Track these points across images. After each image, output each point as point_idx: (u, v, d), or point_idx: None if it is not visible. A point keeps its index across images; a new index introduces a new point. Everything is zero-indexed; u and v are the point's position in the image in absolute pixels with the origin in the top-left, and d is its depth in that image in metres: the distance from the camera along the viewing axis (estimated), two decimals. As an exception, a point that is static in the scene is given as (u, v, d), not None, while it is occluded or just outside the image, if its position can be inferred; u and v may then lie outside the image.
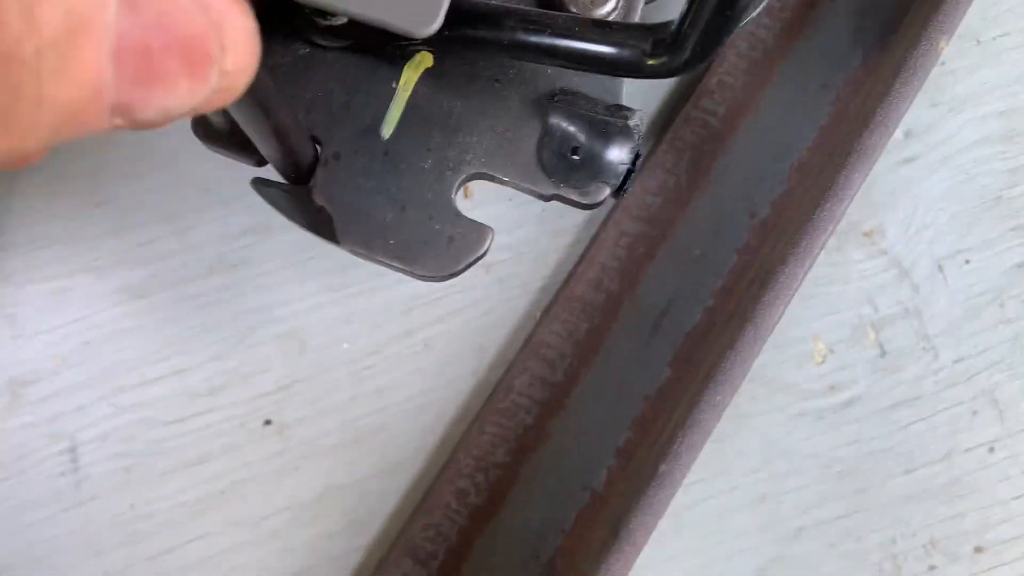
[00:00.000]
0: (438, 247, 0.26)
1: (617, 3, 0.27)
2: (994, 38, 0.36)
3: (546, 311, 0.33)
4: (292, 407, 0.33)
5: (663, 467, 0.30)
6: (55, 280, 0.33)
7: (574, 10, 0.27)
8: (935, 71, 0.35)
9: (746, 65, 0.34)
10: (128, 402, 0.33)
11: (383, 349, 0.33)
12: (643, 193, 0.34)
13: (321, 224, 0.26)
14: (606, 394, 0.32)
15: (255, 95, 0.19)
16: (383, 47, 0.26)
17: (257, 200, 0.32)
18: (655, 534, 0.31)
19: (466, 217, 0.26)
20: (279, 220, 0.33)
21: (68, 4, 0.11)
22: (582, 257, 0.33)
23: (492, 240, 0.26)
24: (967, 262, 0.34)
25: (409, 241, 0.26)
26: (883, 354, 0.33)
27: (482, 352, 0.34)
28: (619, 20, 0.27)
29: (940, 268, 0.34)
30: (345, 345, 0.33)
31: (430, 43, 0.26)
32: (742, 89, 0.34)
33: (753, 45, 0.35)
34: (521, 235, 0.34)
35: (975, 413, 0.33)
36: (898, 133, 0.35)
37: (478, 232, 0.26)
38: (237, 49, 0.14)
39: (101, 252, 0.34)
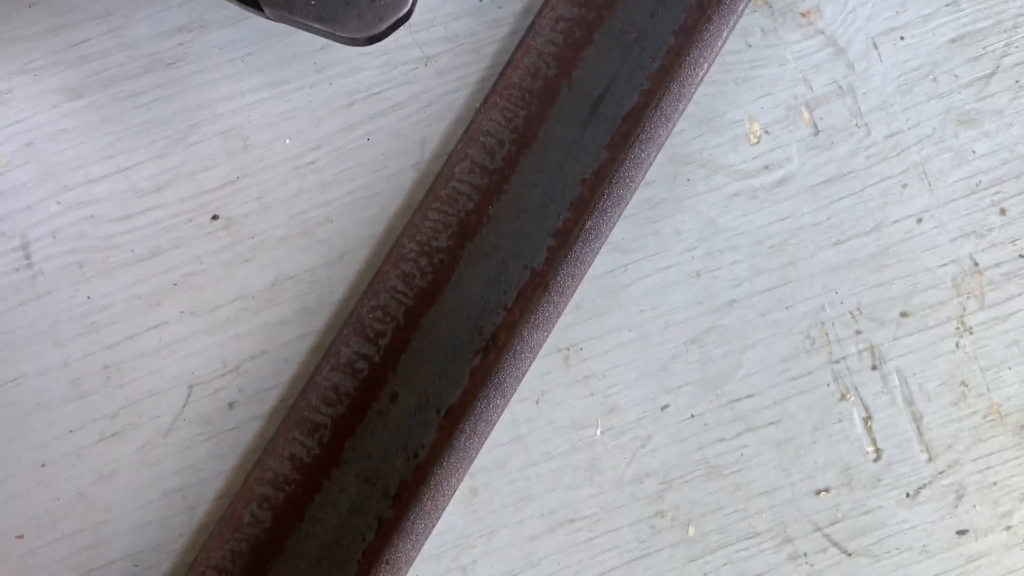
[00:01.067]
0: (360, 7, 0.26)
1: None
2: None
3: (484, 100, 0.33)
4: (238, 202, 0.34)
5: (596, 244, 0.31)
6: (-7, 82, 0.33)
7: None
8: None
9: None
10: (75, 200, 0.33)
11: (325, 144, 0.34)
12: (579, -23, 0.33)
13: (244, -11, 0.26)
14: (544, 178, 0.33)
15: None
16: None
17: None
18: (596, 310, 0.33)
19: (387, -25, 0.26)
20: (214, 16, 0.33)
21: None
22: (519, 44, 0.34)
23: (409, 6, 0.26)
24: (901, 39, 0.34)
25: (332, 1, 0.26)
26: (817, 132, 0.34)
27: (424, 144, 0.34)
28: None
29: (875, 45, 0.34)
30: (287, 141, 0.34)
31: None
32: None
33: None
34: (459, 27, 0.34)
35: (905, 186, 0.34)
36: (837, -90, 0.34)
37: (399, -6, 0.26)
38: None
39: (37, 53, 0.34)
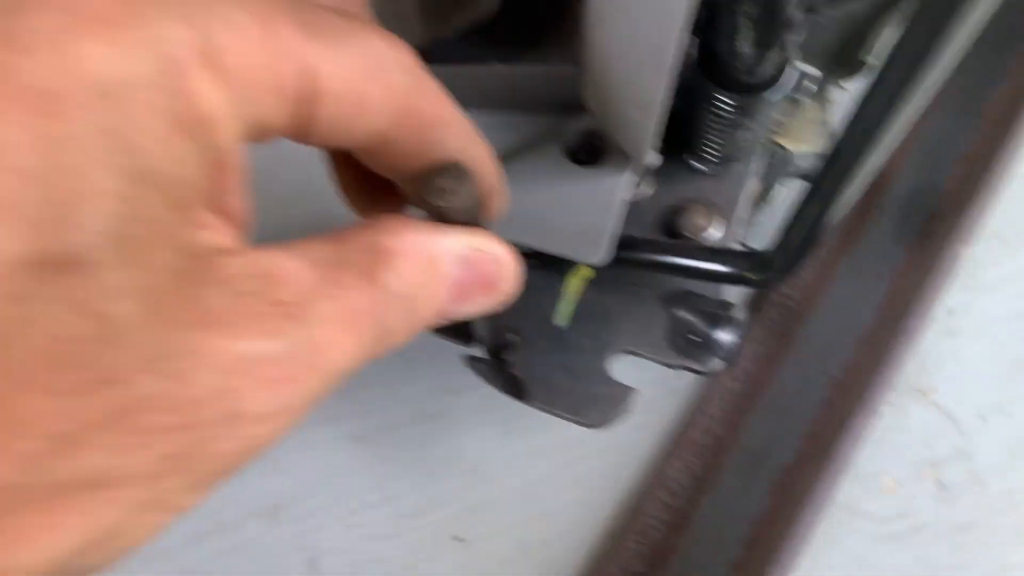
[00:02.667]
0: (599, 403, 0.37)
1: (719, 231, 0.38)
2: (1016, 234, 0.46)
3: (670, 451, 0.43)
4: (476, 526, 0.43)
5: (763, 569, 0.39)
6: (302, 428, 0.45)
7: (688, 235, 0.38)
8: (971, 262, 0.45)
9: (816, 262, 0.45)
10: (355, 521, 0.43)
11: (546, 480, 0.44)
12: (741, 359, 0.44)
13: (514, 388, 0.38)
14: (720, 517, 0.41)
15: None
16: (559, 264, 0.38)
17: (450, 367, 0.44)
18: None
19: (618, 383, 0.37)
20: (469, 379, 0.45)
21: (435, 265, 0.22)
22: (695, 410, 0.44)
23: (637, 398, 0.37)
24: (1005, 412, 0.43)
25: (578, 400, 0.37)
26: (941, 487, 0.42)
27: (620, 485, 0.44)
28: (725, 244, 0.38)
29: (983, 417, 0.43)
30: (516, 477, 0.44)
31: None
32: (814, 279, 0.45)
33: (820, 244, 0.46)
34: (648, 394, 0.45)
35: (1019, 535, 0.41)
36: (942, 310, 0.45)
37: (627, 393, 0.37)
38: (510, 280, 0.24)
39: (333, 407, 0.46)
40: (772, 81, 0.34)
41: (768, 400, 0.43)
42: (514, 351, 0.38)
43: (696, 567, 0.41)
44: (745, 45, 0.32)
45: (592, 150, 0.37)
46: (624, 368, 0.45)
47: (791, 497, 0.41)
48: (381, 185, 0.25)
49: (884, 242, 0.45)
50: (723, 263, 0.34)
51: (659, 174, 0.39)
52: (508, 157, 0.37)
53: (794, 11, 0.31)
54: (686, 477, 0.42)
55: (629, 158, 0.36)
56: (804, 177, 0.43)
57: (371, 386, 0.46)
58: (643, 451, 0.44)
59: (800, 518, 0.41)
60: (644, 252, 0.35)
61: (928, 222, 0.45)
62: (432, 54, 0.25)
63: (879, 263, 0.45)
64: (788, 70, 0.34)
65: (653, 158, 0.34)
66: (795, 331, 0.45)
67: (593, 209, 0.35)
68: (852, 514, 0.42)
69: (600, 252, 0.34)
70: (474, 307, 0.24)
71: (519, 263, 0.24)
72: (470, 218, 0.23)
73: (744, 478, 0.42)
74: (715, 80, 0.34)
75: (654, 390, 0.45)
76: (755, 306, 0.46)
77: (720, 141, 0.37)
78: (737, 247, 0.38)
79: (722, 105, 0.35)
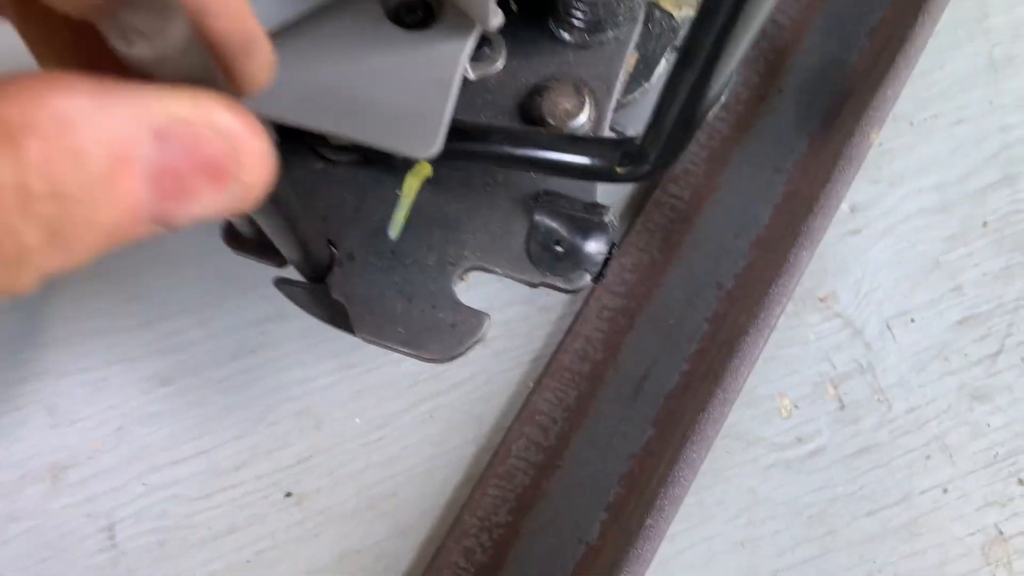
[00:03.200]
0: (442, 332, 0.29)
1: (589, 116, 0.31)
2: (925, 119, 0.41)
3: (538, 381, 0.37)
4: (310, 478, 0.36)
5: (649, 520, 0.33)
6: (92, 372, 0.37)
7: (552, 122, 0.31)
8: (874, 151, 0.39)
9: (706, 154, 0.39)
10: (159, 481, 0.36)
11: (392, 421, 0.37)
12: (620, 270, 0.38)
13: (338, 317, 0.30)
14: (596, 454, 0.36)
15: (278, 205, 0.23)
16: (388, 160, 0.30)
17: (273, 290, 0.36)
18: (646, 581, 0.34)
19: (465, 305, 0.30)
20: (293, 308, 0.37)
21: (108, 145, 0.14)
22: (568, 330, 0.37)
23: (489, 325, 0.30)
24: (912, 320, 0.38)
25: (416, 328, 0.30)
26: (842, 407, 0.37)
27: (481, 420, 0.37)
28: (592, 131, 0.31)
29: (889, 327, 0.38)
30: (357, 419, 0.37)
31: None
32: (704, 175, 0.39)
33: (711, 135, 0.39)
34: (512, 313, 0.38)
35: (928, 458, 0.36)
36: (844, 207, 0.39)
37: (476, 318, 0.30)
38: (252, 165, 0.17)
39: (133, 344, 0.37)
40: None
41: (651, 316, 0.37)
42: (337, 271, 0.30)
43: (568, 511, 0.35)
44: None
45: (424, 8, 0.28)
46: (478, 287, 0.38)
47: (676, 427, 0.35)
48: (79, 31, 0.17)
49: (784, 129, 0.39)
50: (587, 154, 0.27)
51: (515, 46, 0.31)
52: (314, 17, 0.28)
53: None
54: (557, 410, 0.36)
55: (469, 20, 0.28)
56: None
57: (177, 316, 0.37)
58: (507, 382, 0.38)
59: (686, 450, 0.35)
60: (492, 143, 0.28)
61: (834, 105, 0.39)
62: None
63: (778, 154, 0.39)
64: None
65: (497, 19, 0.27)
66: (682, 236, 0.38)
67: (424, 87, 0.27)
68: (744, 442, 0.37)
69: (433, 143, 0.26)
70: (202, 205, 0.16)
71: (268, 139, 0.16)
72: (193, 78, 0.15)
73: (624, 408, 0.36)
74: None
75: (518, 310, 0.38)
76: (636, 208, 0.39)
77: (591, 1, 0.29)
78: (609, 135, 0.31)
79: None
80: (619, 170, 0.26)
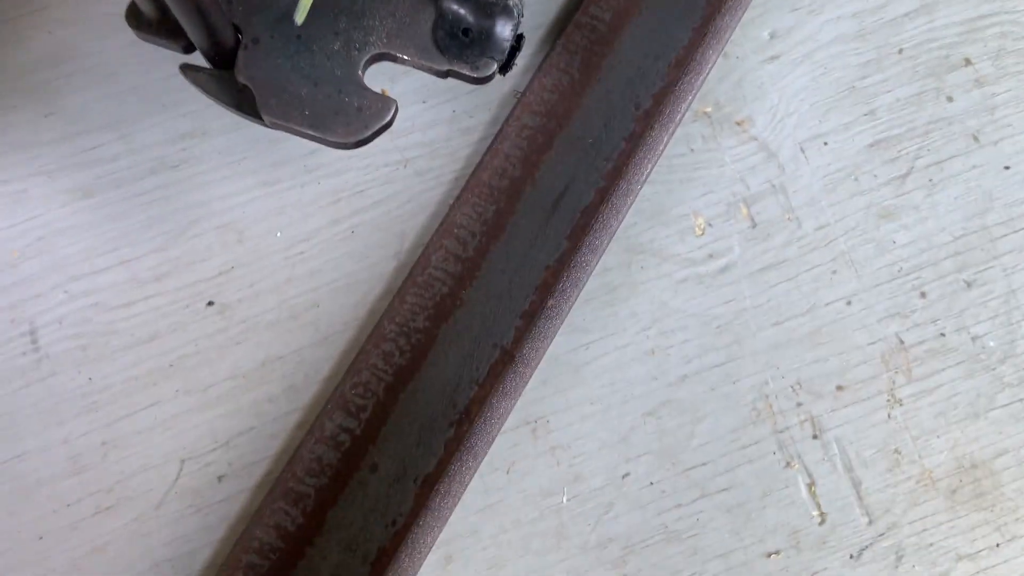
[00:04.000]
0: (348, 116, 0.30)
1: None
2: (849, -48, 0.41)
3: (458, 197, 0.37)
4: (232, 290, 0.37)
5: (557, 322, 0.35)
6: (11, 184, 0.37)
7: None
8: (795, -20, 0.40)
9: (628, -24, 0.39)
10: (81, 289, 0.36)
11: (313, 236, 0.37)
12: (540, 90, 0.38)
13: (244, 102, 0.30)
14: (512, 265, 0.36)
15: None
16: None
17: (194, 107, 0.36)
18: (560, 386, 0.36)
19: (372, 90, 0.30)
20: (214, 124, 0.37)
21: None
22: (488, 148, 0.38)
23: (396, 111, 0.30)
24: (825, 144, 0.39)
25: (323, 112, 0.30)
26: (754, 225, 0.38)
27: (403, 237, 0.38)
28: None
29: (802, 150, 0.39)
30: (279, 234, 0.37)
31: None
32: (626, -3, 0.39)
33: (634, -41, 0.39)
34: (434, 134, 0.39)
35: (834, 272, 0.38)
36: (764, 34, 0.40)
37: (383, 103, 0.30)
38: None
39: (52, 157, 0.37)
40: None
41: (569, 136, 0.38)
42: (242, 55, 0.30)
43: (483, 318, 0.36)
44: None
45: None
46: (398, 98, 0.38)
47: (590, 240, 0.36)
48: None
49: (706, -46, 0.39)
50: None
51: None
52: None
53: None
54: (476, 224, 0.37)
55: None
56: None
57: (97, 131, 0.37)
58: (428, 201, 0.38)
59: (594, 258, 0.36)
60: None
61: (754, -74, 0.39)
62: None
63: (699, -21, 0.39)
64: None
65: None
66: (602, 59, 0.38)
67: None
68: (659, 258, 0.38)
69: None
70: None
71: None
72: None
73: (540, 222, 0.37)
74: None
75: (440, 131, 0.38)
76: (558, 31, 0.39)
77: None
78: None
79: None
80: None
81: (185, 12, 0.26)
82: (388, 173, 0.38)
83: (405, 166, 0.38)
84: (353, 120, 0.30)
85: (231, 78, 0.30)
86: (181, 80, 0.37)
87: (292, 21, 0.30)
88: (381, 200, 0.38)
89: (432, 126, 0.38)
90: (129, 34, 0.35)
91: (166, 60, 0.38)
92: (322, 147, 0.37)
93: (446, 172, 0.38)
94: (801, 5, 0.40)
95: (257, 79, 0.30)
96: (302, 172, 0.38)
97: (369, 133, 0.30)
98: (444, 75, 0.31)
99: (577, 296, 0.36)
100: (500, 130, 0.38)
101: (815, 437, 0.36)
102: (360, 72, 0.30)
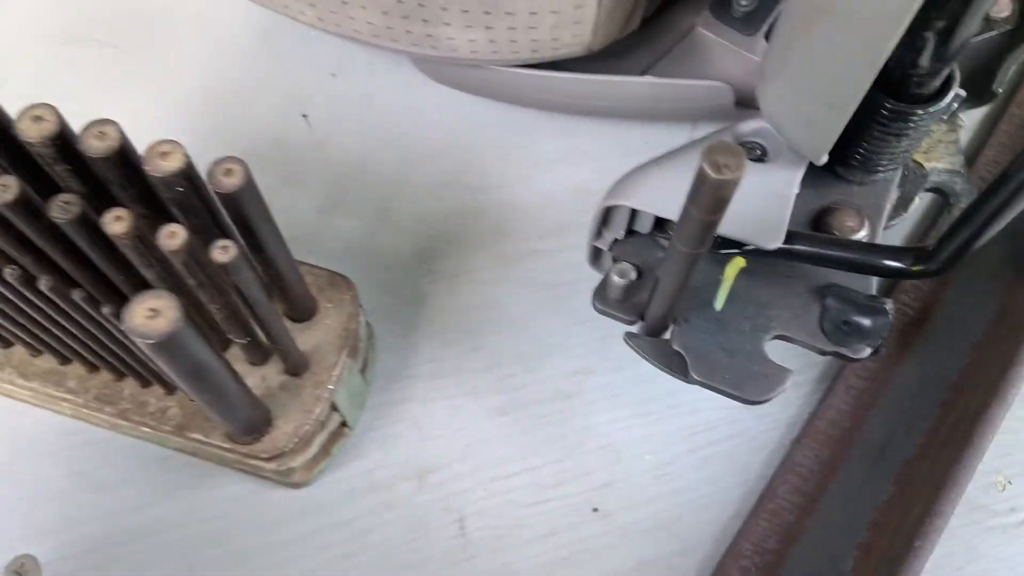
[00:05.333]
0: (756, 380, 0.40)
1: (866, 233, 0.42)
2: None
3: (797, 439, 0.46)
4: (612, 499, 0.46)
5: (887, 546, 0.42)
6: (448, 400, 0.48)
7: (838, 235, 0.42)
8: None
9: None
10: (498, 488, 0.46)
11: (675, 461, 0.47)
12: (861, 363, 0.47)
13: (673, 363, 0.41)
14: (847, 502, 0.44)
15: (680, 276, 0.34)
16: (714, 253, 0.42)
17: (582, 351, 0.47)
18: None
19: (775, 363, 0.40)
20: (599, 365, 0.48)
21: None
22: (821, 400, 0.47)
23: (791, 379, 0.40)
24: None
25: (737, 376, 0.40)
26: (1052, 486, 0.45)
27: (748, 468, 0.46)
28: (869, 241, 0.42)
29: (1091, 424, 0.46)
30: (648, 456, 0.47)
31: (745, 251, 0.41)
32: (931, 291, 0.49)
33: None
34: (772, 385, 0.48)
35: None
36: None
37: (782, 373, 0.40)
38: None
39: (478, 382, 0.48)
40: (937, 96, 0.38)
41: (890, 398, 0.46)
42: (675, 329, 0.41)
43: (825, 546, 0.43)
44: (926, 58, 0.35)
45: (761, 149, 0.40)
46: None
47: (914, 488, 0.44)
48: None
49: (994, 266, 0.49)
50: (888, 257, 0.37)
51: (806, 180, 0.42)
52: (688, 148, 0.40)
53: (971, 33, 0.35)
54: (814, 463, 0.45)
55: (799, 158, 0.39)
56: (936, 191, 0.46)
57: (510, 365, 0.49)
58: (768, 440, 0.47)
59: (930, 518, 0.44)
60: (812, 245, 0.39)
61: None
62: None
63: (989, 283, 0.48)
64: (952, 87, 0.38)
65: (824, 159, 0.38)
66: (914, 337, 0.48)
67: (770, 200, 0.38)
68: (968, 507, 0.45)
69: (778, 238, 0.38)
70: None
71: None
72: None
73: (869, 466, 0.45)
74: (888, 91, 0.37)
75: (781, 383, 0.48)
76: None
77: (877, 150, 0.41)
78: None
79: (889, 115, 0.38)
80: (914, 268, 0.37)
81: (659, 303, 0.37)
82: (735, 415, 0.48)
83: (747, 410, 0.48)
84: (760, 384, 0.39)
85: (667, 344, 0.41)
86: (574, 329, 0.49)
87: (712, 307, 0.41)
88: (729, 436, 0.47)
89: (769, 379, 0.48)
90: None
91: (564, 314, 0.50)
92: (679, 389, 0.47)
93: (782, 418, 0.48)
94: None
95: (688, 348, 0.40)
96: (665, 408, 0.48)
97: (772, 394, 0.39)
98: (827, 354, 0.40)
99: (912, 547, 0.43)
100: (829, 386, 0.47)
101: None
102: (763, 347, 0.40)
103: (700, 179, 0.28)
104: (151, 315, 0.28)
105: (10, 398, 0.46)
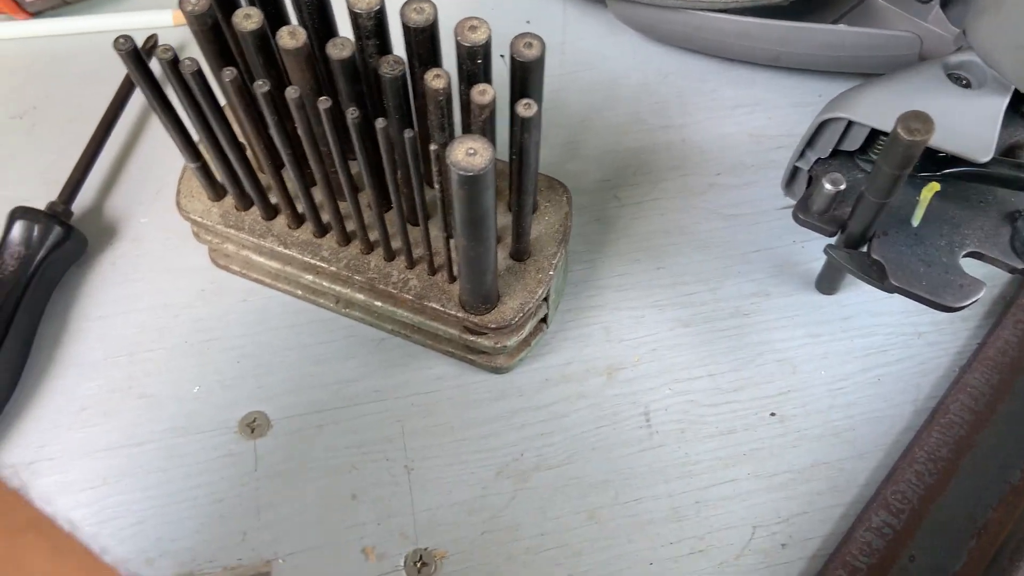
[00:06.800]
0: (952, 289, 0.43)
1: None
2: None
3: (967, 364, 0.49)
4: (789, 406, 0.49)
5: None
6: (633, 310, 0.52)
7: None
8: None
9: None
10: (681, 388, 0.50)
11: (849, 377, 0.50)
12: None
13: (872, 271, 0.44)
14: (1016, 424, 0.47)
15: (884, 195, 0.38)
16: (912, 178, 0.45)
17: (759, 276, 0.51)
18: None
19: (970, 275, 0.43)
20: (774, 289, 0.51)
21: None
22: (988, 333, 0.50)
23: (984, 291, 0.43)
24: None
25: (933, 284, 0.43)
26: None
27: (919, 389, 0.49)
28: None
29: None
30: (823, 372, 0.50)
31: (943, 177, 0.45)
32: None
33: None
34: (941, 317, 0.51)
35: None
36: None
37: (977, 284, 0.43)
38: None
39: (661, 296, 0.52)
40: None
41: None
42: (875, 242, 0.44)
43: (995, 458, 0.46)
44: None
45: (965, 80, 0.44)
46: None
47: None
48: None
49: None
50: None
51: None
52: (897, 75, 0.44)
53: None
54: (984, 385, 0.48)
55: (1004, 86, 0.43)
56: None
57: (693, 283, 0.53)
58: (938, 364, 0.50)
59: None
60: (1011, 169, 0.42)
61: None
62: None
63: None
64: None
65: (1027, 88, 0.42)
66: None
67: (979, 121, 0.42)
68: None
69: (989, 152, 0.41)
70: None
71: None
72: None
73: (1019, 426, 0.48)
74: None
75: (946, 317, 0.51)
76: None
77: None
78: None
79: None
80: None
81: (861, 218, 0.41)
82: (906, 340, 0.51)
83: (919, 337, 0.51)
84: (956, 292, 0.43)
85: (866, 255, 0.44)
86: (751, 256, 0.53)
87: (910, 224, 0.44)
88: (902, 359, 0.50)
89: (939, 313, 0.51)
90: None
91: (741, 243, 0.53)
92: (852, 315, 0.51)
93: (951, 347, 0.50)
94: None
95: (888, 258, 0.44)
96: (839, 331, 0.51)
97: (969, 302, 0.42)
98: (1018, 272, 0.43)
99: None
100: (998, 320, 0.50)
101: None
102: (959, 261, 0.43)
103: (894, 139, 0.32)
104: (472, 152, 0.32)
105: (248, 278, 0.52)
